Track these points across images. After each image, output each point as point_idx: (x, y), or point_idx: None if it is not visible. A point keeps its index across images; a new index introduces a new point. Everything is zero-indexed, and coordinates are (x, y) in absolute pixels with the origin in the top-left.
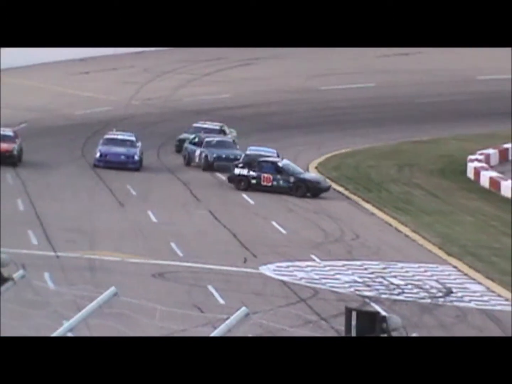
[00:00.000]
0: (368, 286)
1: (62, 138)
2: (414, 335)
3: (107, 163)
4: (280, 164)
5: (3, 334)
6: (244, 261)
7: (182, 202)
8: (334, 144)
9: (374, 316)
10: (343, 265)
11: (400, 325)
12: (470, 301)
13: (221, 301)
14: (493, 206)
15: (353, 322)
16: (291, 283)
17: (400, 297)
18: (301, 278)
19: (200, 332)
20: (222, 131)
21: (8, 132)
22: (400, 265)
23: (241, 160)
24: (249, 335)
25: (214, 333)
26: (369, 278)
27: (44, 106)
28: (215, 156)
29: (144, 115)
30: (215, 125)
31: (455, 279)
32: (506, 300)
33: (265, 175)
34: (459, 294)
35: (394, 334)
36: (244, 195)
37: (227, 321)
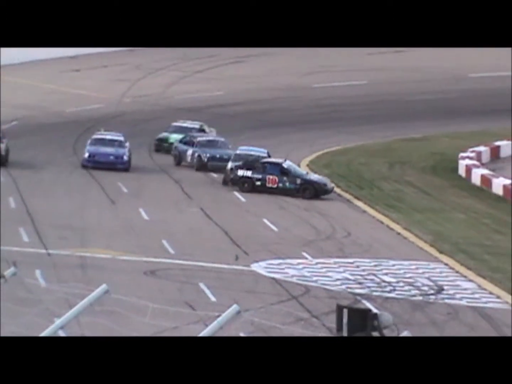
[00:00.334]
0: (360, 283)
1: (53, 136)
2: (405, 332)
3: (95, 164)
4: (285, 165)
5: None
6: (236, 259)
7: (173, 200)
8: (325, 141)
9: (366, 314)
10: (335, 263)
11: (391, 323)
12: (461, 298)
13: (213, 298)
14: (485, 204)
15: (345, 320)
16: (283, 280)
17: (392, 295)
18: (292, 276)
19: (192, 330)
20: (201, 130)
21: None
22: (391, 262)
23: (232, 159)
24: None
25: (206, 331)
26: (360, 275)
27: (35, 104)
28: (209, 156)
29: (135, 112)
30: (195, 124)
31: (446, 276)
32: (498, 297)
33: (270, 176)
34: (451, 292)
35: (385, 331)
36: (236, 193)
37: (219, 319)
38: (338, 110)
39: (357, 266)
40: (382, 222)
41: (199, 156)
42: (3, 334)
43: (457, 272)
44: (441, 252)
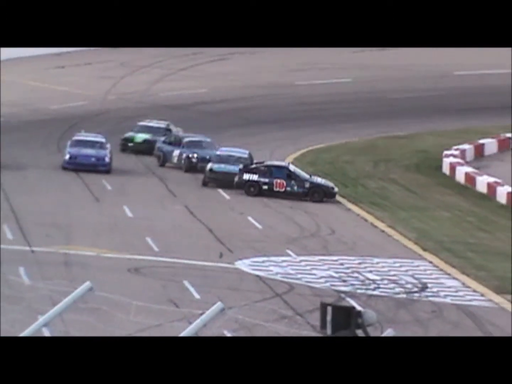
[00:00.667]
0: (344, 281)
1: (38, 133)
2: (389, 330)
3: (77, 166)
4: (291, 168)
5: None
6: (220, 256)
7: (158, 197)
8: (310, 139)
9: (349, 311)
10: (319, 260)
11: (375, 320)
12: (445, 296)
13: (197, 296)
14: (469, 202)
15: (329, 317)
16: (267, 278)
17: (376, 292)
18: (276, 273)
19: (176, 327)
20: (168, 130)
21: None
22: (375, 260)
23: (212, 160)
24: (225, 330)
25: (189, 328)
26: (344, 273)
27: (19, 101)
28: (199, 157)
29: (120, 109)
30: (161, 124)
31: (430, 274)
32: (482, 295)
33: (278, 180)
34: (435, 289)
35: (369, 329)
36: (220, 190)
37: (203, 316)
38: (323, 107)
39: (341, 264)
40: (366, 220)
41: (188, 157)
42: None
43: (441, 270)
44: (425, 250)
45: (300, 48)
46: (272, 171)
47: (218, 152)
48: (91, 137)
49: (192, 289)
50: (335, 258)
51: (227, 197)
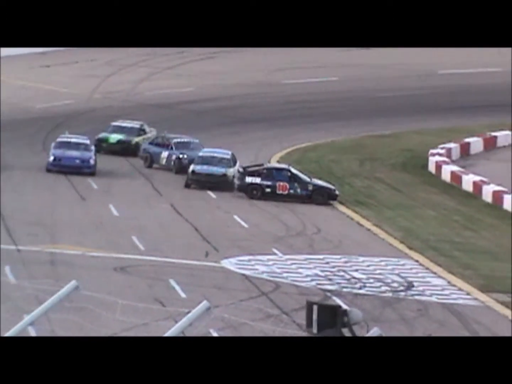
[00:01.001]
0: (330, 280)
1: (23, 132)
2: (375, 329)
3: (61, 168)
4: (293, 171)
5: None
6: (206, 255)
7: (143, 196)
8: (296, 138)
9: (335, 310)
10: (305, 259)
11: (361, 319)
12: (431, 295)
13: (183, 295)
14: (455, 200)
15: (314, 316)
16: (253, 277)
17: (362, 291)
18: (262, 272)
19: (161, 326)
20: (142, 130)
21: None
22: (361, 259)
23: (194, 162)
24: (211, 328)
25: (175, 327)
26: (330, 272)
27: (4, 100)
28: (188, 159)
29: (105, 108)
30: (135, 124)
31: (416, 273)
32: (467, 294)
33: (281, 183)
34: (421, 288)
35: (355, 328)
36: None
37: (189, 315)
38: (309, 106)
39: (327, 263)
40: (352, 219)
41: (178, 158)
42: None
43: (427, 268)
44: (411, 248)
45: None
46: (274, 173)
47: (200, 153)
48: (75, 138)
49: (178, 288)
50: (321, 256)
51: (213, 196)
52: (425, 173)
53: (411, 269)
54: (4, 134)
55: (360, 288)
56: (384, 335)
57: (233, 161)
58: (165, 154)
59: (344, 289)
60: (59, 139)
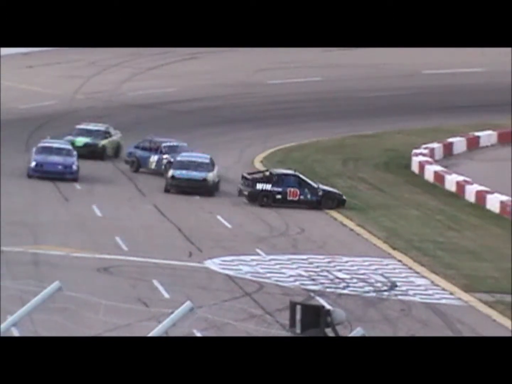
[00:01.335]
0: (313, 280)
1: (6, 133)
2: (358, 329)
3: (43, 173)
4: (302, 176)
5: None
6: (189, 256)
7: (127, 197)
8: (279, 138)
9: (319, 310)
10: (288, 259)
11: (344, 319)
12: (414, 295)
13: (166, 295)
14: (438, 200)
15: (298, 316)
16: (236, 277)
17: (345, 291)
18: (246, 272)
19: (145, 327)
20: (107, 132)
21: None
22: (345, 259)
23: (172, 167)
24: (194, 329)
25: (159, 328)
26: (314, 272)
27: None
28: None
29: (89, 109)
30: (100, 126)
31: (400, 273)
32: (451, 294)
33: (291, 189)
34: (404, 288)
35: (338, 328)
36: None
37: (172, 316)
38: (292, 106)
39: (311, 263)
40: (335, 219)
41: (169, 162)
42: None
43: (410, 268)
44: (394, 248)
45: (270, 47)
46: (284, 179)
47: (178, 158)
48: (57, 143)
49: (161, 288)
50: (304, 257)
51: (197, 196)
52: (408, 173)
53: (394, 269)
54: None
55: (343, 288)
56: (367, 335)
57: (212, 165)
58: (154, 158)
59: (328, 289)
60: (40, 144)
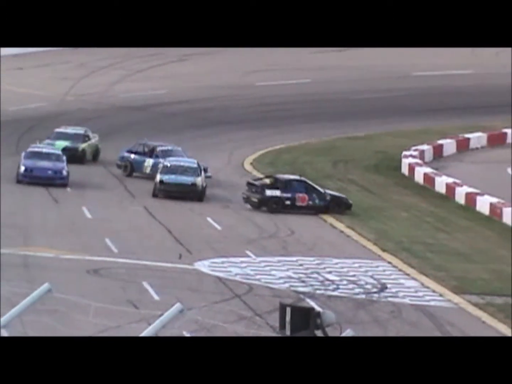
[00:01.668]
0: (303, 282)
1: None
2: (348, 331)
3: (32, 179)
4: (309, 182)
5: None
6: (179, 257)
7: (117, 198)
8: (269, 140)
9: (308, 312)
10: (278, 261)
11: (334, 321)
12: (404, 296)
13: (156, 297)
14: (428, 202)
15: (288, 318)
16: (226, 279)
17: (335, 293)
18: (236, 274)
19: (135, 329)
20: (86, 136)
21: None
22: (335, 261)
23: (160, 171)
24: (184, 331)
25: (149, 329)
26: (304, 274)
27: None
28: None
29: (79, 111)
30: (79, 130)
31: (389, 274)
32: (440, 295)
33: (300, 195)
34: (394, 290)
35: (328, 330)
36: None
37: (162, 317)
38: (282, 108)
39: (301, 265)
40: (325, 221)
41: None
42: None
43: (400, 270)
44: (384, 250)
45: (259, 49)
46: (292, 185)
47: (166, 163)
48: (47, 148)
49: (151, 290)
50: (294, 258)
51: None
52: (398, 175)
53: (384, 271)
54: None
55: (333, 290)
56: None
57: (199, 170)
58: (149, 162)
59: (318, 291)
60: (30, 149)
